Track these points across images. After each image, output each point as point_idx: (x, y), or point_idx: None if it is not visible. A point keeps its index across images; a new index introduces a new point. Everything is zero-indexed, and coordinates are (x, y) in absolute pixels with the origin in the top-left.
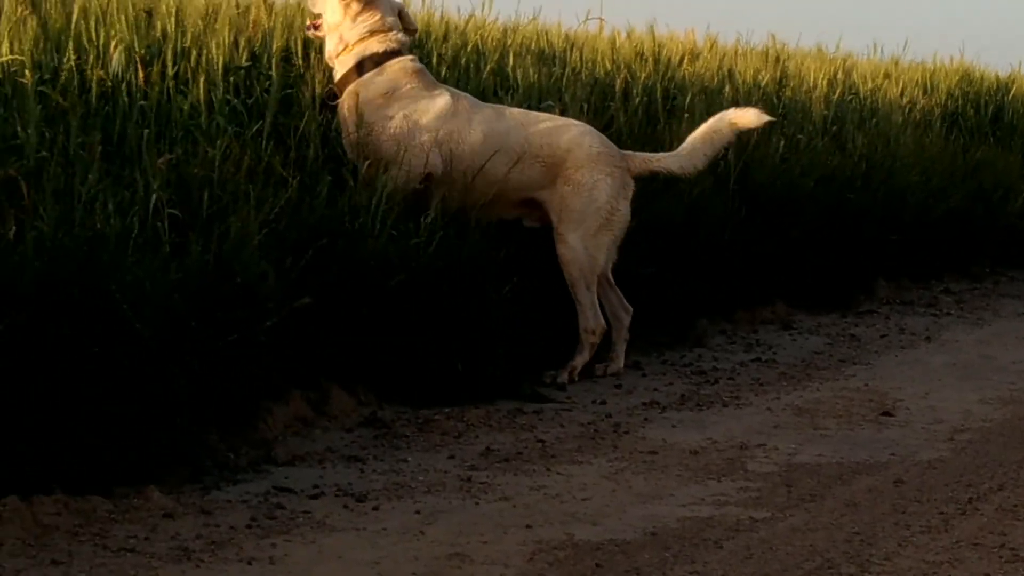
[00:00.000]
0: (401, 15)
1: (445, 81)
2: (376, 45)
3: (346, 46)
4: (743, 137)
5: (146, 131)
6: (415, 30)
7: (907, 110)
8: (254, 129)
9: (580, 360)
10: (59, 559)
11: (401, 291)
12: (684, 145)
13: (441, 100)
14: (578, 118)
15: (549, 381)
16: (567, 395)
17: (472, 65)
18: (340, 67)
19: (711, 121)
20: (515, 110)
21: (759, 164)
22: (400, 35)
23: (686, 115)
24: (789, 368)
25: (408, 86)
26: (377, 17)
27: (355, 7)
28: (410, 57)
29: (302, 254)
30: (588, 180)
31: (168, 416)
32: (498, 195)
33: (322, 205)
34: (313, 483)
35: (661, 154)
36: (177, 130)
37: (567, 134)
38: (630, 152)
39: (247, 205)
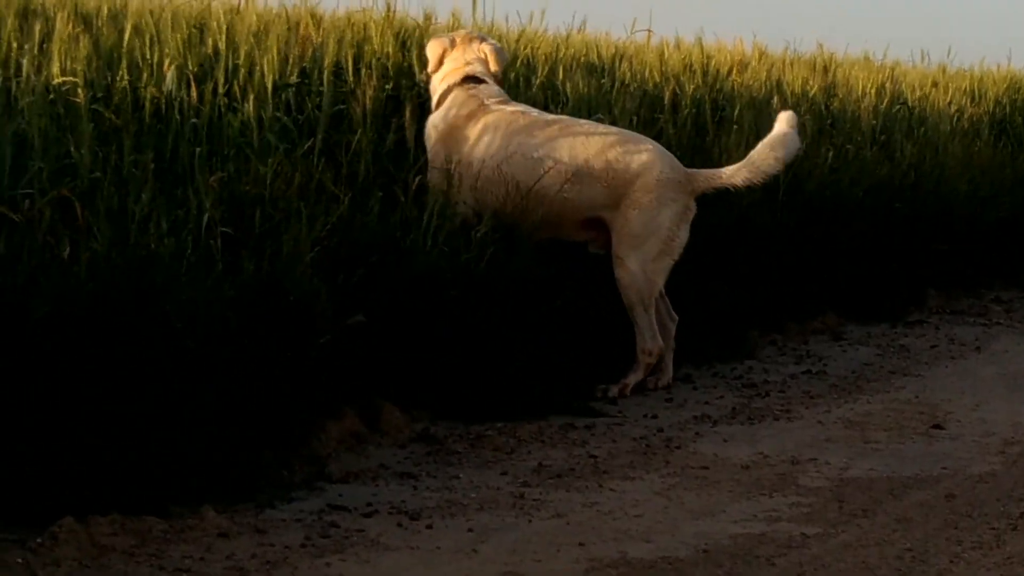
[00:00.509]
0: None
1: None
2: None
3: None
4: None
5: (198, 149)
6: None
7: (955, 118)
8: (305, 146)
9: (633, 378)
10: None
11: (453, 307)
12: (749, 156)
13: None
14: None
15: (600, 395)
16: (618, 409)
17: (522, 79)
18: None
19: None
20: (583, 123)
21: (808, 174)
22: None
23: (735, 127)
24: (839, 380)
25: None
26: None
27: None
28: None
29: (354, 271)
30: (653, 205)
31: (222, 434)
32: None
33: (374, 222)
34: (367, 501)
35: (725, 169)
36: (229, 148)
37: (638, 157)
38: (695, 171)
39: (299, 222)
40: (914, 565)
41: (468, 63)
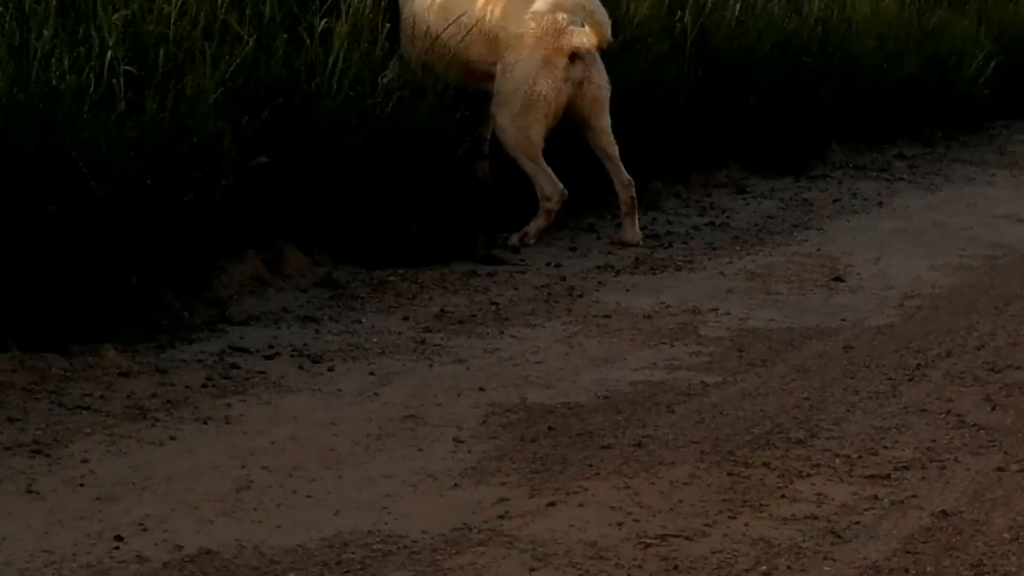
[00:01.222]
0: None
1: None
2: None
3: None
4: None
5: None
6: None
7: None
8: None
9: (534, 226)
10: (14, 416)
11: (357, 152)
12: None
13: None
14: None
15: (502, 243)
16: (521, 258)
17: None
18: None
19: None
20: None
21: (716, 27)
22: None
23: None
24: (742, 232)
25: None
26: None
27: None
28: None
29: (258, 113)
30: (519, 65)
31: (123, 274)
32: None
33: (279, 64)
34: (268, 343)
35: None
36: None
37: (516, 24)
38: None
39: (203, 63)
40: (812, 414)
41: None
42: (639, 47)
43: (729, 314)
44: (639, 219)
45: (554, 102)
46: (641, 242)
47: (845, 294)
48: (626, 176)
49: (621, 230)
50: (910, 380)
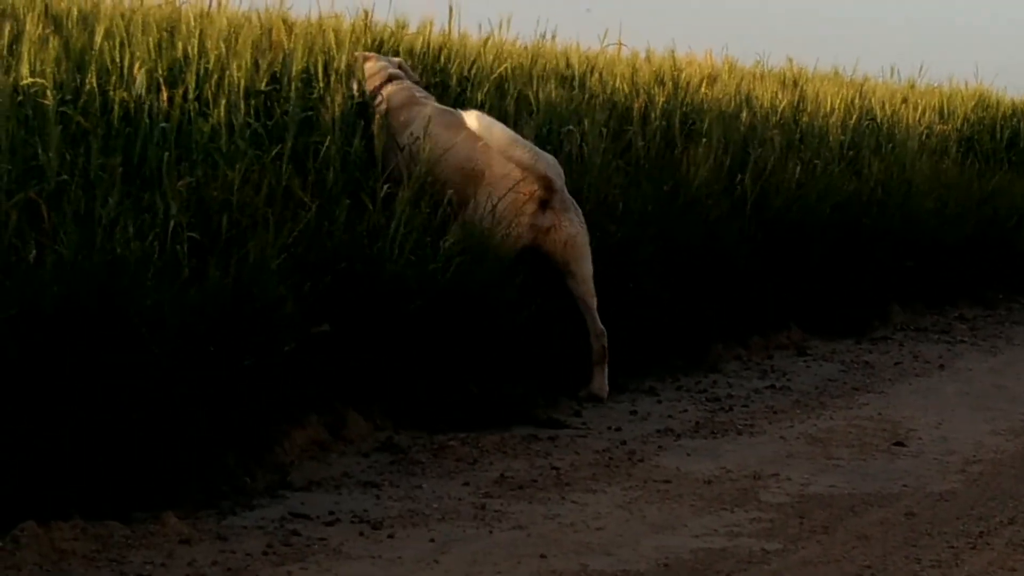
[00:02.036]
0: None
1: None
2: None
3: None
4: (760, 162)
5: (167, 154)
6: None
7: (923, 135)
8: (274, 152)
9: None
10: None
11: (418, 316)
12: None
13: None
14: (596, 143)
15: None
16: (582, 421)
17: (493, 89)
18: None
19: None
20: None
21: (776, 189)
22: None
23: (704, 139)
24: (803, 395)
25: None
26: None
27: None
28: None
29: (320, 278)
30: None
31: (185, 440)
32: None
33: (341, 229)
34: (329, 509)
35: None
36: (198, 152)
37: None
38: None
39: (266, 229)
40: None
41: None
42: (699, 209)
43: (790, 479)
44: (608, 372)
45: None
46: (606, 396)
47: (907, 459)
48: (600, 326)
49: (590, 383)
50: (972, 548)
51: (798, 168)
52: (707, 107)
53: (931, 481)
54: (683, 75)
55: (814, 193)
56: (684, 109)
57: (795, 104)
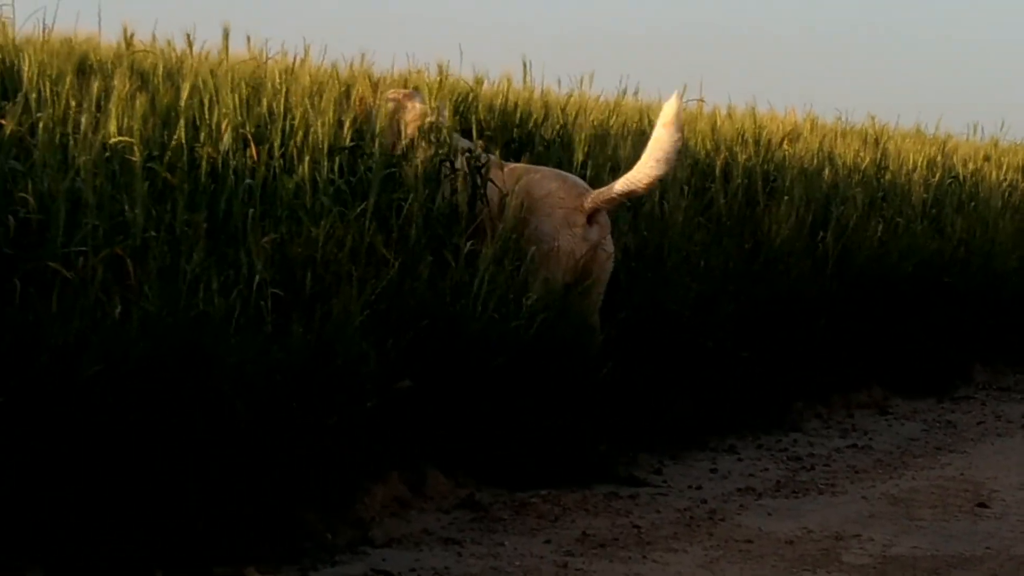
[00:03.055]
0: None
1: (545, 161)
2: None
3: None
4: (842, 220)
5: (251, 210)
6: None
7: (1006, 194)
8: (358, 209)
9: None
10: None
11: (500, 372)
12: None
13: None
14: (678, 200)
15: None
16: (663, 479)
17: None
18: None
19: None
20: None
21: (858, 247)
22: None
23: (785, 198)
24: (885, 455)
25: None
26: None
27: None
28: None
29: (403, 335)
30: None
31: (268, 496)
32: None
33: (423, 286)
34: (410, 566)
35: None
36: (282, 209)
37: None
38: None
39: (349, 285)
40: None
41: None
42: (780, 267)
43: (872, 540)
44: None
45: None
46: None
47: (990, 521)
48: None
49: None
50: None
51: (880, 226)
52: (788, 164)
53: (1015, 544)
54: (764, 132)
55: (896, 251)
56: (765, 166)
57: (877, 162)
